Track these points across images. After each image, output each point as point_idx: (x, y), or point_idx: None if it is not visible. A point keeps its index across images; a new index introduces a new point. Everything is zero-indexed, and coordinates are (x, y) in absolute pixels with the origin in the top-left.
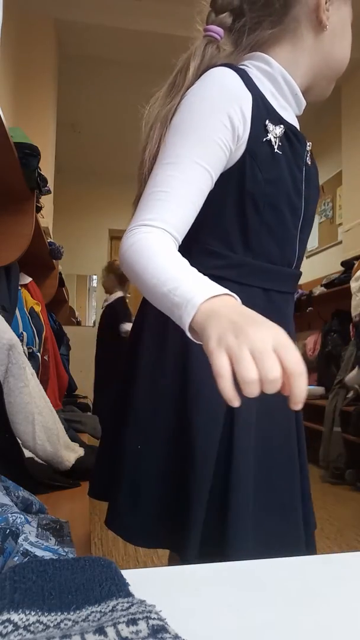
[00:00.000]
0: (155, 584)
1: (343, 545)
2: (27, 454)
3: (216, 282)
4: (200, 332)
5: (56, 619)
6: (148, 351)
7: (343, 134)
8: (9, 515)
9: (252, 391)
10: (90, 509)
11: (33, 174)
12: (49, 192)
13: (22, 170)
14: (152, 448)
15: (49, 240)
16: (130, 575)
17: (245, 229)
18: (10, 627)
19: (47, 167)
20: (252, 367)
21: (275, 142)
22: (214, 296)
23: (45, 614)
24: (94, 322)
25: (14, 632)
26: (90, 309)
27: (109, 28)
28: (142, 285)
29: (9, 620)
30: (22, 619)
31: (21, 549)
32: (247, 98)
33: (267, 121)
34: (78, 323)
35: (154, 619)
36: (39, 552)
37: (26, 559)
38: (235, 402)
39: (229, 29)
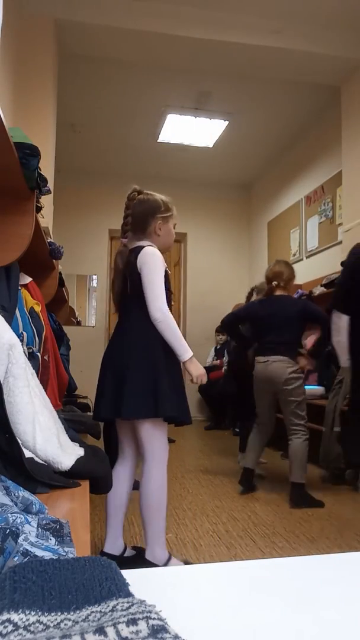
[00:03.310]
0: (155, 584)
1: (343, 545)
2: (27, 454)
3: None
4: (187, 366)
5: (56, 619)
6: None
7: (343, 134)
8: (9, 515)
9: (197, 382)
10: (91, 509)
11: (33, 174)
12: (49, 192)
13: (22, 170)
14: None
15: (49, 240)
16: (130, 575)
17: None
18: (10, 627)
19: (47, 167)
20: (199, 381)
21: (167, 272)
22: (191, 356)
23: (45, 614)
24: (94, 322)
25: (14, 632)
26: (90, 309)
27: (109, 28)
28: (175, 337)
29: (9, 620)
30: (22, 619)
31: (21, 549)
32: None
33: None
34: (78, 323)
35: (154, 619)
36: (39, 552)
37: (26, 559)
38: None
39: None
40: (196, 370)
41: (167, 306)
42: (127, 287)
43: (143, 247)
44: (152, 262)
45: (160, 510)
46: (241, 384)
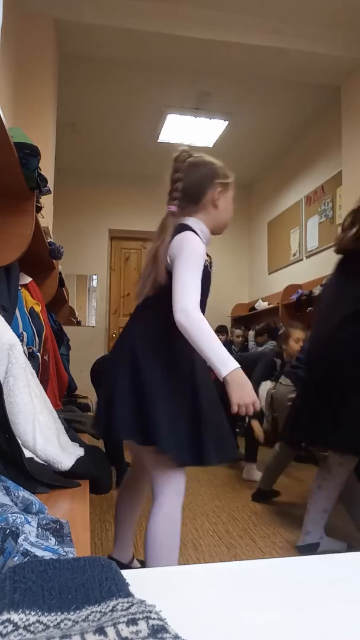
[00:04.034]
0: (155, 584)
1: None
2: (27, 454)
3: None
4: (228, 386)
5: (56, 619)
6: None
7: (343, 134)
8: (9, 515)
9: (243, 413)
10: (91, 509)
11: (33, 174)
12: (49, 192)
13: (22, 170)
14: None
15: (49, 240)
16: (130, 575)
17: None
18: (10, 627)
19: (47, 167)
20: (245, 410)
21: (211, 267)
22: (235, 368)
23: (45, 614)
24: (94, 322)
25: (14, 632)
26: (90, 309)
27: (109, 28)
28: (201, 340)
29: (9, 620)
30: (22, 619)
31: (21, 549)
32: (204, 248)
33: (206, 255)
34: (78, 323)
35: (154, 619)
36: (39, 552)
37: (26, 559)
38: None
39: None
40: (240, 393)
41: (197, 306)
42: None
43: (184, 229)
44: (189, 249)
45: (170, 555)
46: None
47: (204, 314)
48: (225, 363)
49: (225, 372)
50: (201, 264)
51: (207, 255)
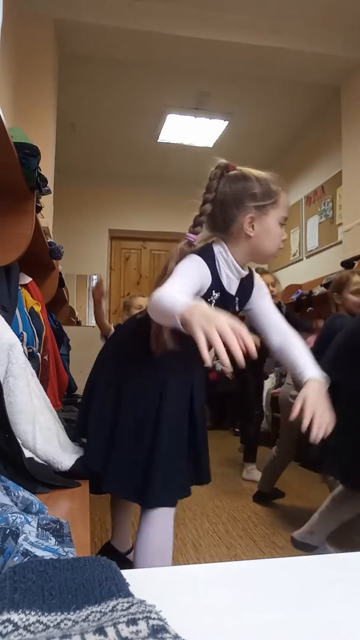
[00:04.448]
0: (155, 584)
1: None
2: (27, 454)
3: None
4: (187, 324)
5: (56, 619)
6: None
7: (343, 134)
8: (9, 515)
9: (220, 348)
10: (91, 509)
11: (33, 174)
12: (49, 192)
13: (22, 170)
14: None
15: (49, 240)
16: (130, 575)
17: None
18: (10, 627)
19: (47, 167)
20: (217, 337)
21: (212, 302)
22: (190, 305)
23: (45, 614)
24: (94, 322)
25: (14, 632)
26: (90, 309)
27: (109, 28)
28: (158, 308)
29: (9, 620)
30: (22, 619)
31: (21, 549)
32: (208, 277)
33: (213, 291)
34: (78, 323)
35: (154, 619)
36: (39, 552)
37: (26, 559)
38: (209, 362)
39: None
40: (199, 318)
41: (173, 288)
42: None
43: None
44: (186, 265)
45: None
46: (242, 381)
47: None
48: (178, 304)
49: (178, 310)
50: (194, 275)
51: (223, 291)
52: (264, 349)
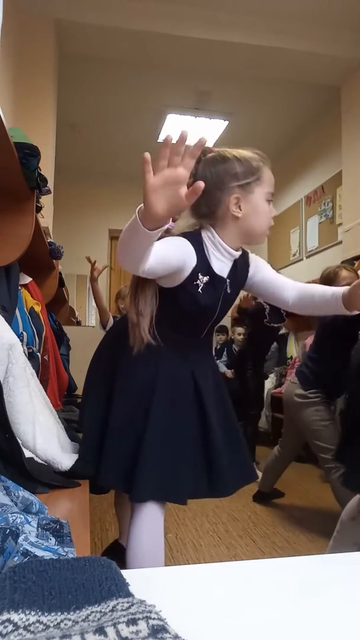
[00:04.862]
0: (155, 584)
1: None
2: (27, 454)
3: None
4: (142, 210)
5: (56, 619)
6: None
7: (343, 134)
8: (9, 515)
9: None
10: (91, 509)
11: (33, 174)
12: (49, 192)
13: (22, 170)
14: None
15: (49, 240)
16: (130, 575)
17: (175, 321)
18: (10, 627)
19: (47, 167)
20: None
21: (199, 285)
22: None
23: (45, 614)
24: (94, 322)
25: (14, 632)
26: (90, 309)
27: (109, 28)
28: (124, 245)
29: (9, 620)
30: (22, 619)
31: (21, 549)
32: (192, 257)
33: (199, 274)
34: (78, 323)
35: (154, 619)
36: (39, 552)
37: (26, 559)
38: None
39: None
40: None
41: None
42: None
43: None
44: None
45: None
46: (241, 382)
47: (188, 334)
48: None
49: (132, 217)
50: (170, 245)
51: (212, 274)
52: (263, 350)
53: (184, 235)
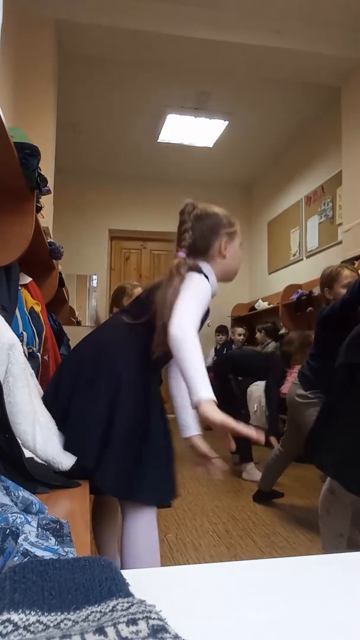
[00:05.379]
0: (155, 584)
1: None
2: (27, 454)
3: None
4: (202, 408)
5: (56, 619)
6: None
7: (343, 134)
8: (9, 515)
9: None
10: (91, 509)
11: (33, 174)
12: (49, 192)
13: (22, 170)
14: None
15: (49, 240)
16: (130, 575)
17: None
18: (10, 627)
19: (47, 167)
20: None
21: (205, 319)
22: (209, 399)
23: (45, 614)
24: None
25: (14, 632)
26: (90, 309)
27: (108, 28)
28: (186, 358)
29: (9, 620)
30: (22, 619)
31: (21, 549)
32: (209, 298)
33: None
34: (78, 323)
35: (154, 619)
36: (39, 552)
37: (26, 559)
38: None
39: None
40: (220, 414)
41: (195, 326)
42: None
43: (196, 270)
44: (197, 285)
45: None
46: (224, 384)
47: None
48: (207, 386)
49: (205, 395)
50: (205, 304)
51: (208, 308)
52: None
53: (201, 271)
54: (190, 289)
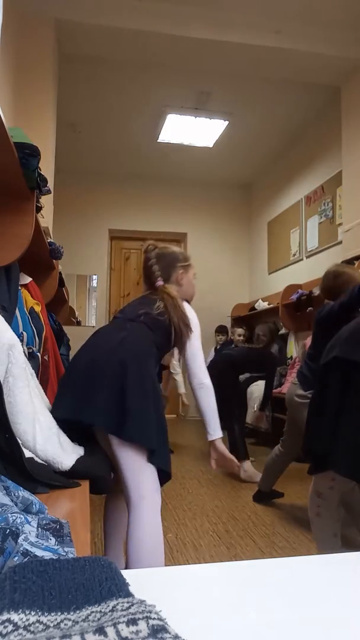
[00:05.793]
0: (155, 584)
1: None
2: (27, 454)
3: None
4: (214, 447)
5: (56, 619)
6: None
7: (343, 134)
8: (9, 515)
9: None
10: (91, 509)
11: (33, 174)
12: (49, 192)
13: (22, 170)
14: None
15: (49, 240)
16: (130, 575)
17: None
18: (10, 627)
19: (47, 167)
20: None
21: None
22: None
23: (45, 614)
24: (94, 322)
25: (14, 632)
26: (90, 309)
27: (108, 28)
28: (210, 405)
29: (9, 620)
30: (22, 619)
31: (21, 549)
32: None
33: None
34: (78, 323)
35: (154, 619)
36: (39, 552)
37: (26, 559)
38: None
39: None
40: (223, 457)
41: (208, 375)
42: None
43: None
44: (196, 324)
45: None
46: (221, 384)
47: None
48: (219, 429)
49: (217, 436)
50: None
51: None
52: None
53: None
54: (197, 333)
